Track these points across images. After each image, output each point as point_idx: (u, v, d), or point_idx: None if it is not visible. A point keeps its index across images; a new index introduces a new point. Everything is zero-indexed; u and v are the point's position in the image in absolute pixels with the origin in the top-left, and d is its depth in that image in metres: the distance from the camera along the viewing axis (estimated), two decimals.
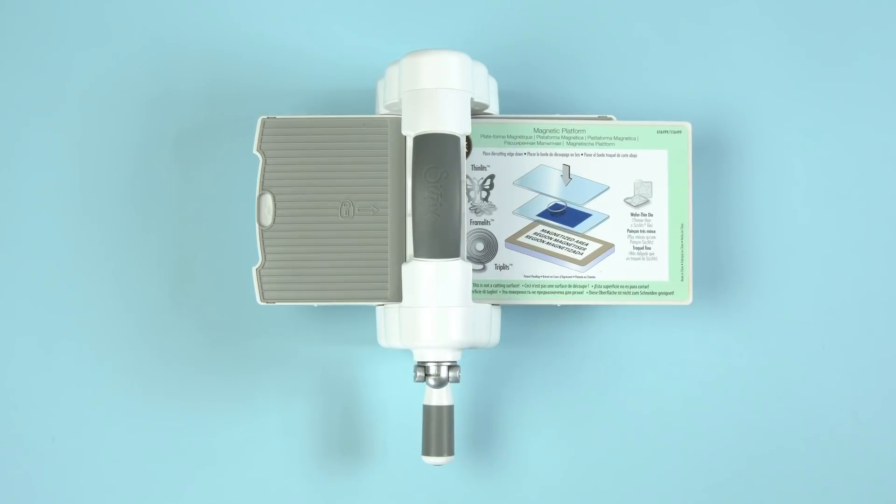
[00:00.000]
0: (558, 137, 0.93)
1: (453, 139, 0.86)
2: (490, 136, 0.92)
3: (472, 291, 0.87)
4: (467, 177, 0.91)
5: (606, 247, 0.92)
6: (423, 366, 0.88)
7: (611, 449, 0.98)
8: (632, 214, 0.92)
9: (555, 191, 0.92)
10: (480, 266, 0.92)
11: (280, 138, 0.90)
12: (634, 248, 0.92)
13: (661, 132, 0.93)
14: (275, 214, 0.89)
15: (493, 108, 0.93)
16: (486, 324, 0.88)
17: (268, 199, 0.90)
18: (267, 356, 0.98)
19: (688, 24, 1.01)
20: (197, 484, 0.97)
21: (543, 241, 0.92)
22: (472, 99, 0.88)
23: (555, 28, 1.01)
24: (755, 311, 0.99)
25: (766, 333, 0.98)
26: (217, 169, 0.99)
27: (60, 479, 0.97)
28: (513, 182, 0.92)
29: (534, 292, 0.92)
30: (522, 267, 0.92)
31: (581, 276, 0.92)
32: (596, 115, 0.93)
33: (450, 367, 0.88)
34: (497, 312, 0.91)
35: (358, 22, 1.01)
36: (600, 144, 0.92)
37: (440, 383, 0.88)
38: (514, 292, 0.92)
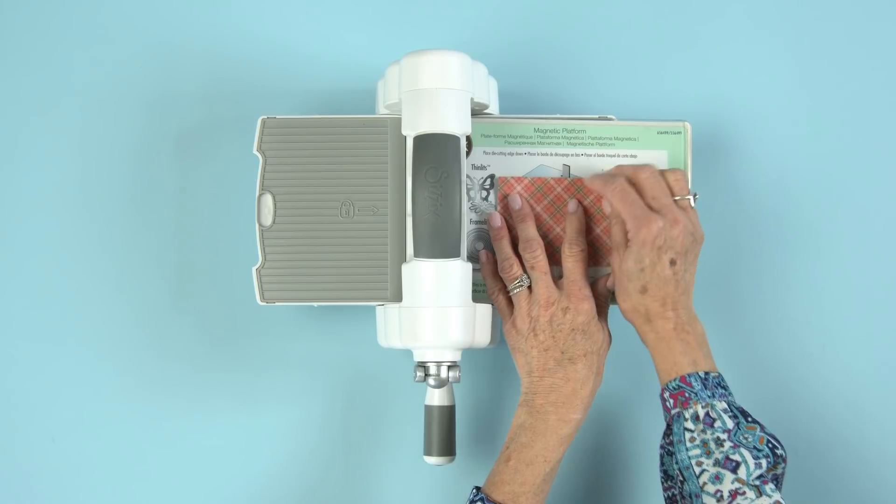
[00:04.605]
0: (558, 137, 0.92)
1: (453, 139, 0.86)
2: (490, 136, 0.92)
3: (472, 291, 0.87)
4: (467, 176, 0.91)
5: None
6: (423, 366, 0.88)
7: (609, 448, 0.98)
8: None
9: None
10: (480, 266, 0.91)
11: (280, 138, 0.90)
12: None
13: (661, 133, 0.92)
14: (275, 214, 0.89)
15: (493, 108, 0.93)
16: (486, 324, 0.88)
17: (268, 199, 0.90)
18: (267, 356, 0.98)
19: (688, 25, 1.01)
20: (197, 483, 0.97)
21: None
22: (472, 99, 0.88)
23: (555, 28, 1.01)
24: (755, 310, 0.99)
25: (767, 333, 0.98)
26: (217, 169, 0.99)
27: (60, 479, 0.97)
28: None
29: None
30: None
31: None
32: (596, 116, 0.93)
33: (450, 367, 0.87)
34: None
35: (358, 22, 1.01)
36: (600, 144, 0.92)
37: (440, 383, 0.88)
38: None
